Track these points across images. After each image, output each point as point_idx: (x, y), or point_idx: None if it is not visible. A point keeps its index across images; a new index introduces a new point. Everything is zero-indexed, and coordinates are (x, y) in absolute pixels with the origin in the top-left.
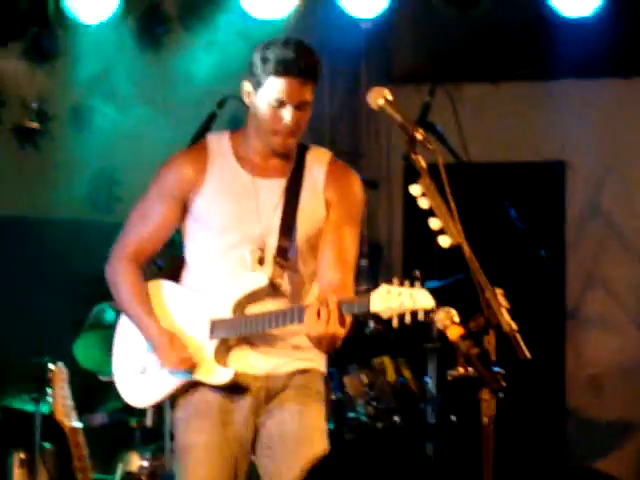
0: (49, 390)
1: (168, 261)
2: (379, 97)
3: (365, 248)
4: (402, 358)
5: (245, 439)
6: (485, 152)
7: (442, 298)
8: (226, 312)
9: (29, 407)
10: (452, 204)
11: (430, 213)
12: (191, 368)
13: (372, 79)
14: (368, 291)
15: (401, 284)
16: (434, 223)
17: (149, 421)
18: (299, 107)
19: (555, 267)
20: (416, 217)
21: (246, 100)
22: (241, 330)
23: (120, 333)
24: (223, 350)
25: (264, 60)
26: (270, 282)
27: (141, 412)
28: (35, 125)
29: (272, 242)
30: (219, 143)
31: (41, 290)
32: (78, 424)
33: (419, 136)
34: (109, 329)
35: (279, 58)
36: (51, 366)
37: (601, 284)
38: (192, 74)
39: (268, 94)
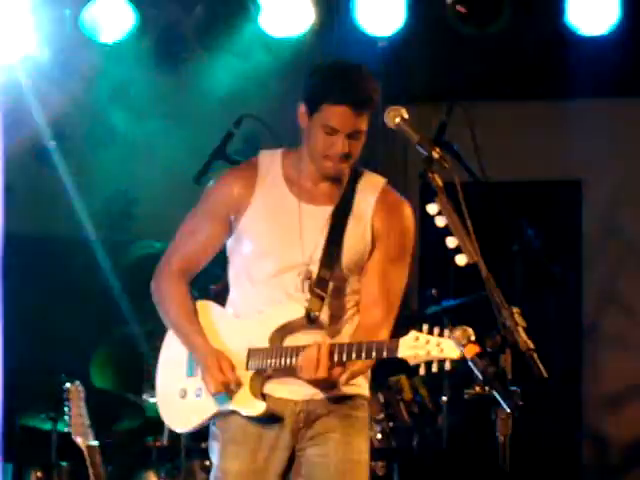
0: (66, 409)
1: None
2: (396, 116)
3: None
4: (418, 377)
5: (281, 466)
6: (502, 170)
7: (459, 316)
8: (263, 342)
9: (46, 426)
10: (468, 222)
11: (447, 231)
12: (231, 392)
13: (388, 98)
14: (398, 335)
15: (430, 332)
16: (451, 241)
17: (165, 440)
18: (352, 136)
19: (571, 284)
20: (432, 235)
21: (300, 122)
22: (273, 363)
23: (164, 354)
24: (259, 380)
25: (320, 86)
26: (307, 314)
27: (157, 431)
28: (52, 144)
29: (314, 271)
30: (271, 162)
31: (58, 308)
32: (95, 443)
33: (436, 155)
34: (119, 348)
35: (335, 86)
36: (68, 385)
37: (618, 302)
38: (209, 93)
39: (322, 120)
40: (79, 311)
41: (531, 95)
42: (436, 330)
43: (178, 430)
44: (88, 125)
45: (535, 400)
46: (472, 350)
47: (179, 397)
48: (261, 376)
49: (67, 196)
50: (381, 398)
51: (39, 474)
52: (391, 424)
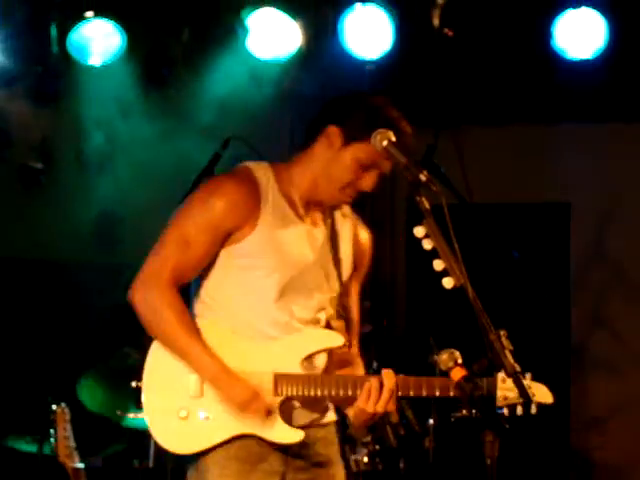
0: (52, 431)
1: None
2: (383, 138)
3: (368, 289)
4: (405, 399)
5: None
6: (489, 194)
7: (445, 340)
8: (294, 367)
9: (32, 448)
10: (456, 245)
11: (434, 254)
12: (263, 415)
13: None
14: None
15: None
16: (438, 264)
17: (151, 462)
18: (381, 175)
19: (559, 307)
20: (419, 258)
21: (326, 143)
22: (312, 391)
23: (154, 370)
24: (288, 406)
25: (370, 118)
26: (345, 343)
27: (143, 453)
28: (39, 165)
29: (326, 294)
30: (266, 177)
31: (45, 331)
32: (81, 465)
33: (423, 177)
34: (112, 370)
35: (393, 125)
36: (54, 407)
37: (606, 325)
38: (196, 115)
39: (362, 154)
40: (67, 333)
41: (519, 119)
42: (528, 375)
43: (178, 452)
44: (75, 147)
45: (522, 423)
46: (459, 373)
47: (178, 418)
48: (290, 402)
49: (54, 218)
50: None
51: None
52: (377, 447)
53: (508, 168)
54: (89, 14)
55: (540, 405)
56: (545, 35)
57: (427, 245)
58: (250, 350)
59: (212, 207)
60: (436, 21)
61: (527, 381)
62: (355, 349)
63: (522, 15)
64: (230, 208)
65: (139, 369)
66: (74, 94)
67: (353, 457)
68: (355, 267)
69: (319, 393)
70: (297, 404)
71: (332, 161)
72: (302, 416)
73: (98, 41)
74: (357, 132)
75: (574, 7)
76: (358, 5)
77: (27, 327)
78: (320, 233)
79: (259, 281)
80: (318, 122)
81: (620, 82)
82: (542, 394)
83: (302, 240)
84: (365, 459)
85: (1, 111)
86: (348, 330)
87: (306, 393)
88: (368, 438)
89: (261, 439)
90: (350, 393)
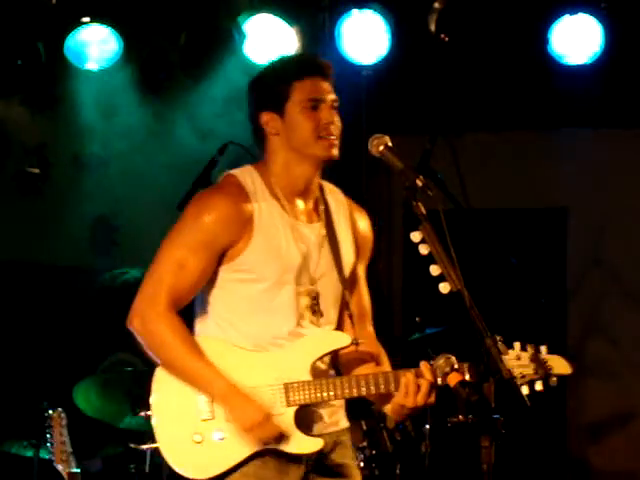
0: (48, 436)
1: None
2: (380, 144)
3: None
4: None
5: None
6: (486, 199)
7: (441, 344)
8: (304, 374)
9: (28, 453)
10: (452, 251)
11: (430, 260)
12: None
13: (373, 127)
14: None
15: (523, 349)
16: (434, 270)
17: (147, 467)
18: (333, 107)
19: (555, 313)
20: (416, 263)
21: (269, 131)
22: (323, 396)
23: (160, 399)
24: (303, 416)
25: (282, 71)
26: (354, 341)
27: (139, 458)
28: (36, 171)
29: (326, 292)
30: (253, 182)
31: (41, 335)
32: (77, 470)
33: (419, 183)
34: (107, 374)
35: (298, 62)
36: (50, 411)
37: (602, 331)
38: (193, 120)
39: (300, 99)
40: (63, 338)
41: (515, 124)
42: (529, 348)
43: (198, 477)
44: (72, 152)
45: (518, 429)
46: (455, 378)
47: (194, 443)
48: (303, 411)
49: (51, 223)
50: (364, 426)
51: None
52: (374, 452)
53: (505, 173)
54: (86, 19)
55: (559, 377)
56: (542, 41)
57: (423, 250)
58: (258, 363)
59: (203, 224)
60: (433, 26)
61: (543, 354)
62: (372, 337)
63: (519, 21)
64: (222, 223)
65: (134, 375)
66: (71, 99)
67: None
68: (358, 254)
69: (332, 396)
70: (311, 412)
71: (288, 133)
72: (317, 424)
73: (95, 46)
74: (280, 97)
75: (571, 13)
76: (355, 11)
77: (23, 331)
78: (314, 229)
79: (261, 293)
80: (253, 122)
81: (617, 87)
82: (559, 366)
83: (291, 239)
84: (361, 464)
85: None
86: (360, 321)
87: (319, 398)
88: (364, 443)
89: (280, 452)
90: (365, 391)
